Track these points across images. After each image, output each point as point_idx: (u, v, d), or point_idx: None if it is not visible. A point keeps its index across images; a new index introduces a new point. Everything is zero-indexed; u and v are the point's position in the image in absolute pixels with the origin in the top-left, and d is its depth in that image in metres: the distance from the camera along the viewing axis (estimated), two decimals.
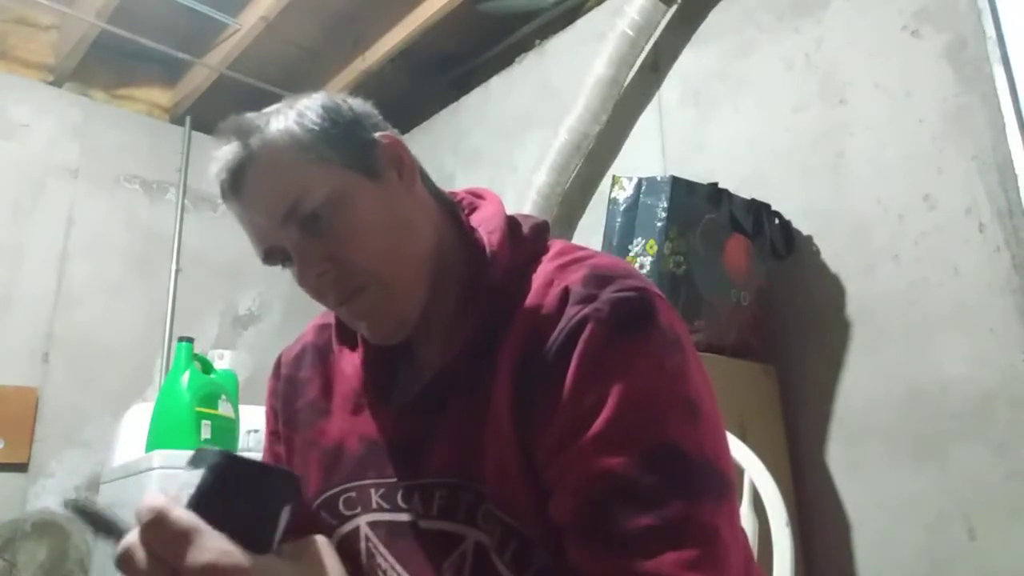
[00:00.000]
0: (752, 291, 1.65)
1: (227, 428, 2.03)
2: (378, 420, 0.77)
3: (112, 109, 2.90)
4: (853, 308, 1.62)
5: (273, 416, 0.88)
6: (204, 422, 1.96)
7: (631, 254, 1.59)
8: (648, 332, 0.64)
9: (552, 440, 0.63)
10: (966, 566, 1.38)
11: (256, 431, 2.15)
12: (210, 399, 2.01)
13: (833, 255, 1.68)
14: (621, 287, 0.65)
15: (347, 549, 0.74)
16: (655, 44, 2.13)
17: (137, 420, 2.15)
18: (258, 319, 3.02)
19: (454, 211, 0.79)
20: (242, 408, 2.11)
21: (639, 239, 1.59)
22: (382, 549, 0.73)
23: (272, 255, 0.73)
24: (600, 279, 0.66)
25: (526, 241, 0.76)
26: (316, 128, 0.72)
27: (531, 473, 0.65)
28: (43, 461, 2.45)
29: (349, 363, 0.81)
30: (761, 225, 1.69)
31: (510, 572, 0.65)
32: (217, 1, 2.54)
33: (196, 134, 2.98)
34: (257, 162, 0.70)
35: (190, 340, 2.09)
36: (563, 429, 0.62)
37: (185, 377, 2.01)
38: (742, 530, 0.69)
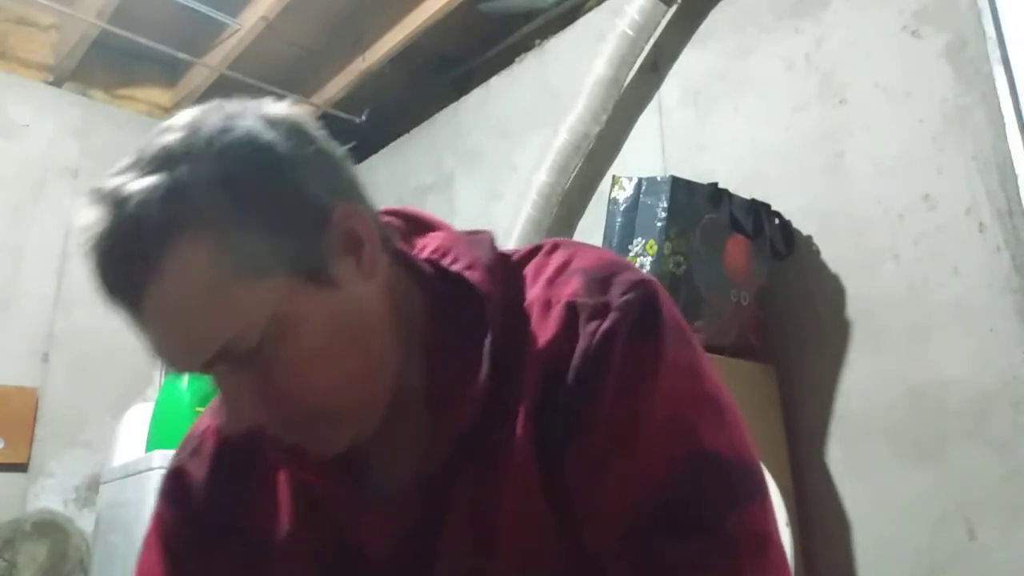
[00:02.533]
0: (752, 291, 1.65)
1: None
2: (357, 528, 0.64)
3: (112, 109, 2.90)
4: (853, 308, 1.62)
5: (169, 559, 0.70)
6: None
7: (631, 254, 1.59)
8: (658, 333, 0.59)
9: (584, 467, 0.58)
10: (966, 566, 1.38)
11: None
12: (210, 399, 2.00)
13: (833, 255, 1.68)
14: (623, 288, 0.60)
15: None
16: (655, 44, 2.13)
17: (137, 420, 2.15)
18: None
19: (416, 266, 0.64)
20: None
21: (639, 239, 1.59)
22: None
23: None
24: (599, 283, 0.61)
25: (499, 266, 0.65)
26: (253, 210, 0.53)
27: (565, 525, 0.58)
28: (43, 461, 2.45)
29: (286, 470, 0.66)
30: (761, 225, 1.69)
31: None
32: (217, 1, 2.54)
33: None
34: (163, 282, 0.51)
35: None
36: (596, 455, 0.57)
37: (185, 377, 2.00)
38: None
